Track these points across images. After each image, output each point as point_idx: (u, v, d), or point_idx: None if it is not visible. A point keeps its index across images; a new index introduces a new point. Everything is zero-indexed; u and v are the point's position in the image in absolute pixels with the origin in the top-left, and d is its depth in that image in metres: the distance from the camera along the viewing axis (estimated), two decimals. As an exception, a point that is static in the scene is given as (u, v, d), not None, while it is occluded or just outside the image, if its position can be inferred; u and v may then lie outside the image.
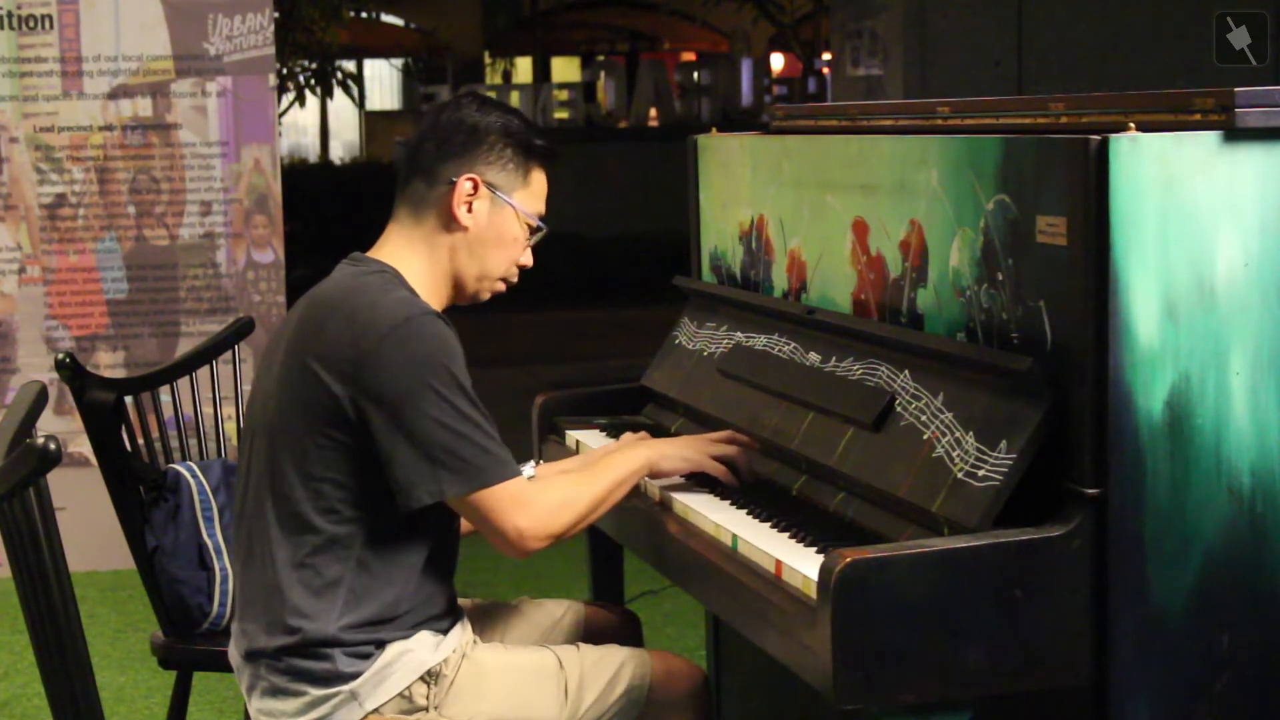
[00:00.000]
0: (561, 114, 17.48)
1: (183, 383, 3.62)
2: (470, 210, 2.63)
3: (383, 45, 23.53)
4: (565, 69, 25.40)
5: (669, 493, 2.82)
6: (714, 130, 3.59)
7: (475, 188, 2.63)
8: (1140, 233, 2.22)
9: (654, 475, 2.81)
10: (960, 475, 2.33)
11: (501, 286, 2.73)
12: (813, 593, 2.27)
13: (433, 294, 2.64)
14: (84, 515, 5.09)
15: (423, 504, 2.48)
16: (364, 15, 20.55)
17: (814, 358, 2.85)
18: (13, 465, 2.08)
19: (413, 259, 2.63)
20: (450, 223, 2.64)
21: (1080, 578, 2.24)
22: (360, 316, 2.50)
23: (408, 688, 2.54)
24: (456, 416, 2.47)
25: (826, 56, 16.82)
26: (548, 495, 2.57)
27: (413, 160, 2.67)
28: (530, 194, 2.70)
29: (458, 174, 2.63)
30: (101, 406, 3.31)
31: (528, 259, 2.72)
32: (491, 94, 17.31)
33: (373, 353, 2.46)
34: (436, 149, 2.65)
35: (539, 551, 2.56)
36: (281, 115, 13.06)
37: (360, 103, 21.77)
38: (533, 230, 2.71)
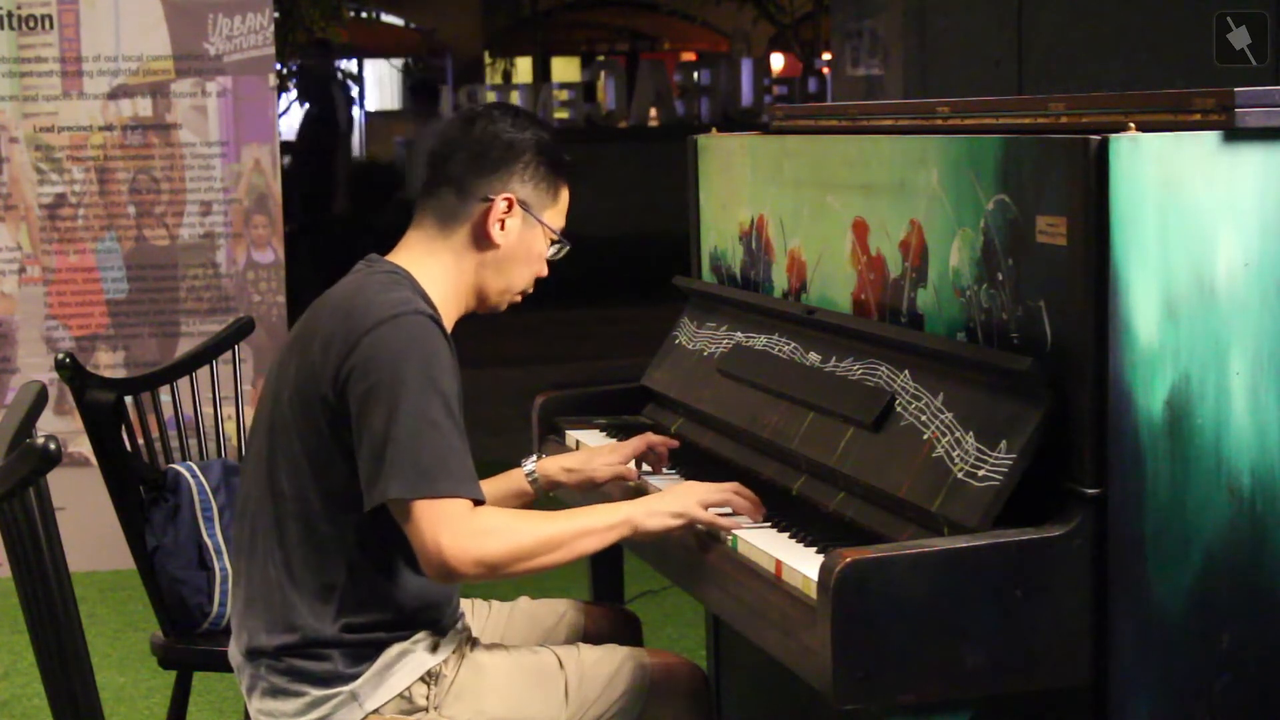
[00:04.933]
0: (561, 114, 17.46)
1: (183, 383, 3.62)
2: (504, 228, 2.62)
3: (383, 45, 23.51)
4: (565, 69, 25.38)
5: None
6: (714, 130, 3.60)
7: (510, 207, 2.61)
8: (1140, 233, 2.22)
9: (639, 537, 2.58)
10: (960, 475, 2.33)
11: (519, 298, 2.73)
12: (813, 593, 2.27)
13: (452, 304, 2.63)
14: (84, 515, 5.09)
15: (374, 504, 2.41)
16: (364, 15, 20.53)
17: (814, 358, 2.85)
18: (13, 465, 2.08)
19: (435, 267, 2.61)
20: (483, 240, 2.61)
21: (1080, 578, 2.24)
22: (355, 314, 2.49)
23: (408, 688, 2.54)
24: (421, 419, 2.40)
25: (826, 56, 16.83)
26: (485, 522, 2.43)
27: (441, 168, 2.63)
28: (557, 211, 2.69)
29: (493, 191, 2.61)
30: (101, 406, 3.31)
31: (545, 271, 2.72)
32: (490, 95, 17.28)
33: (356, 347, 2.45)
34: (471, 161, 2.61)
35: (466, 577, 2.42)
36: (282, 115, 13.04)
37: (360, 102, 21.76)
38: (555, 244, 2.70)
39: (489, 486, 2.89)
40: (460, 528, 2.39)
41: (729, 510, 2.62)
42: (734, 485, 2.65)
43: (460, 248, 2.62)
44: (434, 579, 2.46)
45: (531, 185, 2.64)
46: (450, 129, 2.68)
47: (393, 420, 2.40)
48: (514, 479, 2.93)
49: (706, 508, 2.60)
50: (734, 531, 2.57)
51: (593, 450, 3.01)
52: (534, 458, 2.97)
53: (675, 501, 2.60)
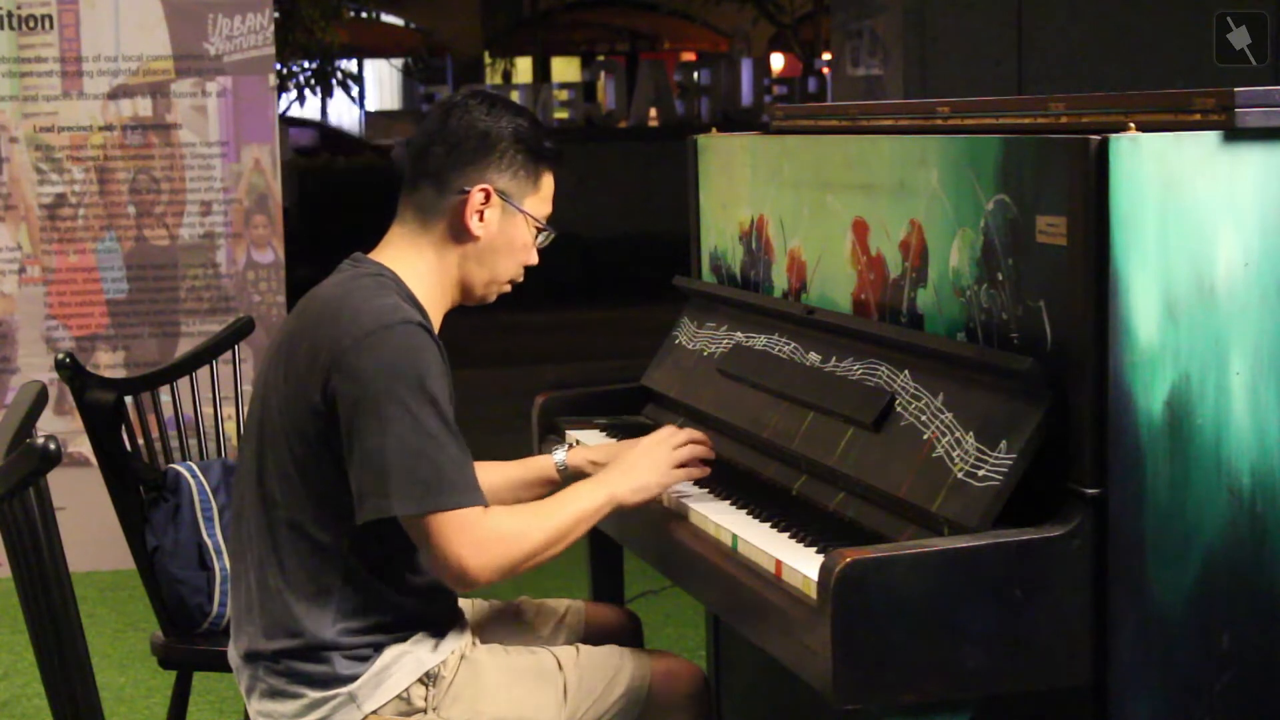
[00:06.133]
0: (561, 114, 17.47)
1: (183, 383, 3.61)
2: (482, 219, 2.60)
3: (383, 45, 23.53)
4: (565, 69, 25.41)
5: (669, 493, 2.82)
6: (714, 130, 3.60)
7: (487, 198, 2.60)
8: (1140, 233, 2.22)
9: (623, 509, 2.69)
10: (960, 475, 2.33)
11: (508, 288, 2.71)
12: (813, 593, 2.27)
13: (438, 299, 2.62)
14: (84, 515, 5.09)
15: (369, 518, 2.42)
16: (364, 15, 20.54)
17: (814, 358, 2.85)
18: (13, 465, 2.08)
19: (418, 264, 2.60)
20: (462, 233, 2.60)
21: (1080, 578, 2.24)
22: (343, 320, 2.47)
23: (406, 689, 2.54)
24: (418, 432, 2.39)
25: (826, 56, 16.83)
26: (499, 528, 2.45)
27: (420, 162, 2.62)
28: (540, 199, 2.67)
29: (470, 183, 2.59)
30: (101, 406, 3.31)
31: (534, 259, 2.71)
32: (491, 94, 17.34)
33: (345, 356, 2.43)
34: (447, 154, 2.60)
35: (486, 585, 2.45)
36: (282, 115, 13.04)
37: (360, 103, 21.77)
38: (541, 232, 2.69)
39: (511, 470, 2.91)
40: (479, 538, 2.41)
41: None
42: (685, 434, 2.81)
43: (441, 242, 2.61)
44: (454, 589, 2.48)
45: (510, 174, 2.62)
46: (428, 122, 2.66)
47: (387, 434, 2.39)
48: (540, 467, 2.93)
49: (678, 466, 2.76)
50: (734, 531, 2.58)
51: (620, 445, 2.97)
52: (564, 447, 2.97)
53: (652, 472, 2.72)
